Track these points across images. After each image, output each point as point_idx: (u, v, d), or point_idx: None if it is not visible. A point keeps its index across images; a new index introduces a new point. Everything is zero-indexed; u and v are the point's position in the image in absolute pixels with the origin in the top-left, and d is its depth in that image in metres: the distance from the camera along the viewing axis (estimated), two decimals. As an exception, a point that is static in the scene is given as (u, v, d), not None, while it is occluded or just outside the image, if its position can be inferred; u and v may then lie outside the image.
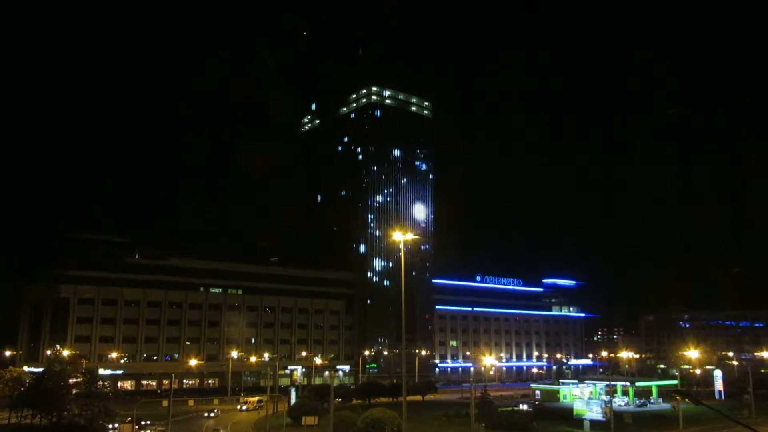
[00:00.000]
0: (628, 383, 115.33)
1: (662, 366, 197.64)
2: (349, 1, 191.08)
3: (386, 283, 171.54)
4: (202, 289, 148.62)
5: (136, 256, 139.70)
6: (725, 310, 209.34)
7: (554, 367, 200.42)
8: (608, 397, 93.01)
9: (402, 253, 56.13)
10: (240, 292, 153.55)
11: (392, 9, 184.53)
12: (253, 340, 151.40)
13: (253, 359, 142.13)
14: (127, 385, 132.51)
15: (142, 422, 76.34)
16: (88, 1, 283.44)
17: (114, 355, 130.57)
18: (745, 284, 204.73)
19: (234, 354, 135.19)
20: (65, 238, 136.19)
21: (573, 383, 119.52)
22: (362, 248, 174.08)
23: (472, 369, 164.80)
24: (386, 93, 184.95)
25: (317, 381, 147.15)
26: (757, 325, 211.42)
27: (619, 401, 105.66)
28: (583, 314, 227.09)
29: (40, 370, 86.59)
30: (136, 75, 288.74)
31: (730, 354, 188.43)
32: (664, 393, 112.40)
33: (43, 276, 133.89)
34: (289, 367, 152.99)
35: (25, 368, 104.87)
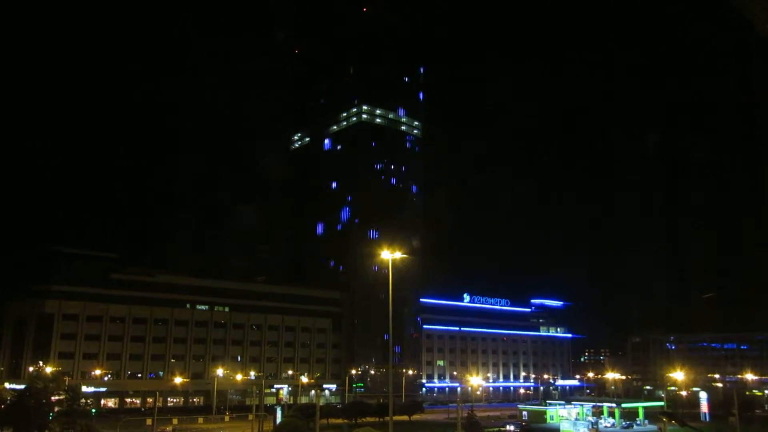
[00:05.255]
0: (614, 404, 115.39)
1: (648, 387, 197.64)
2: (340, 20, 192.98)
3: (374, 301, 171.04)
4: (188, 306, 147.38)
5: (123, 273, 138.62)
6: (711, 332, 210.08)
7: (541, 388, 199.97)
8: (594, 418, 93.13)
9: (390, 272, 56.13)
10: (227, 309, 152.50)
11: (383, 28, 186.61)
12: (239, 358, 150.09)
13: (239, 377, 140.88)
14: (111, 402, 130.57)
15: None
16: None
17: (98, 372, 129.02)
18: (731, 307, 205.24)
19: (220, 372, 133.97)
20: (51, 252, 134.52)
21: (560, 404, 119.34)
22: (350, 266, 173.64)
23: (459, 389, 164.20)
24: (377, 112, 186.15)
25: (303, 400, 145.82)
26: (742, 347, 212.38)
27: (605, 423, 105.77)
28: (570, 335, 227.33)
29: (22, 386, 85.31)
30: (124, 88, 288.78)
31: (716, 376, 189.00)
32: (651, 414, 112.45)
33: (28, 291, 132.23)
34: (275, 386, 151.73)
35: (7, 385, 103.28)
